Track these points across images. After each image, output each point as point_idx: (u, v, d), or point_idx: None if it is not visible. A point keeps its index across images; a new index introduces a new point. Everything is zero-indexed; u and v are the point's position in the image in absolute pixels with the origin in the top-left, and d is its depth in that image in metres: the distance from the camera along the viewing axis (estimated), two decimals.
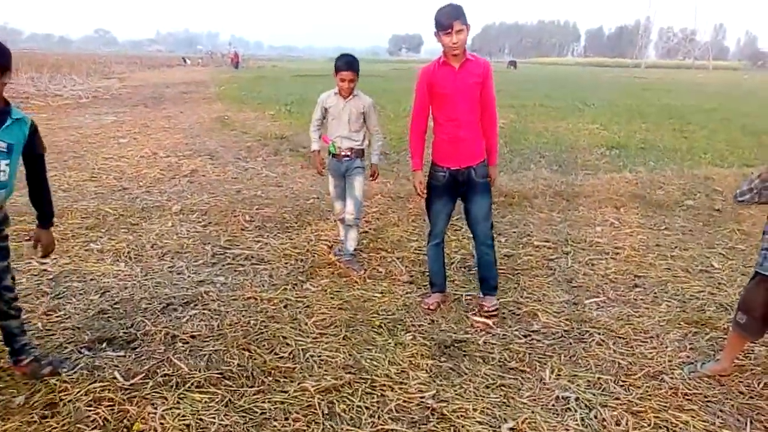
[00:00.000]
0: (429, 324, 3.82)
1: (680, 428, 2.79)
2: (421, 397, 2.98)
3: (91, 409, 2.77)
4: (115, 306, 3.89)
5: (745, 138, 12.09)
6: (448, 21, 3.54)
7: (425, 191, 3.99)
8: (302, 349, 3.39)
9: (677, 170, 8.54)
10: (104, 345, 3.38)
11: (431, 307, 4.04)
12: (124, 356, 3.25)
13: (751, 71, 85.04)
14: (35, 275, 4.36)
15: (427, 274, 4.59)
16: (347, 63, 4.39)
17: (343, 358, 3.33)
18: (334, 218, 4.97)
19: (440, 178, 3.91)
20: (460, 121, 3.76)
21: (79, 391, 2.87)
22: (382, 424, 2.77)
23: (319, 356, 3.33)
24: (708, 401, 3.03)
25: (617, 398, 3.04)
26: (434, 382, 3.14)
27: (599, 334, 3.73)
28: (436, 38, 3.69)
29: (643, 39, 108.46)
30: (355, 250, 4.78)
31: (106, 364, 3.15)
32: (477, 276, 4.17)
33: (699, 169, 8.67)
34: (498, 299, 4.07)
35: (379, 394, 3.01)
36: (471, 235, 4.19)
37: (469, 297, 4.25)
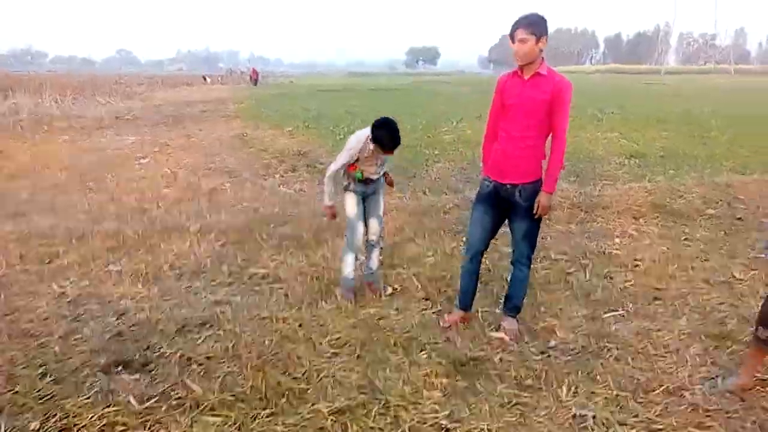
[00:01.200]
0: (444, 342, 3.79)
1: None
2: (435, 417, 2.96)
3: None
4: (132, 328, 3.93)
5: (767, 144, 11.87)
6: (513, 28, 3.47)
7: None
8: (316, 370, 3.38)
9: (697, 178, 8.41)
10: (120, 368, 3.41)
11: (445, 324, 3.99)
12: (139, 379, 3.27)
13: None
14: (55, 298, 4.42)
15: (444, 290, 4.60)
16: (393, 142, 4.10)
17: (357, 377, 3.32)
18: (352, 247, 4.43)
19: (484, 187, 3.83)
20: (512, 136, 3.63)
21: (93, 416, 2.90)
22: None
23: (333, 376, 3.32)
24: (729, 417, 2.96)
25: (636, 416, 2.98)
26: (449, 401, 3.11)
27: (618, 349, 3.67)
28: None
29: (662, 45, 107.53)
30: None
31: (120, 387, 3.17)
32: (505, 294, 4.07)
33: (720, 177, 8.53)
34: (518, 322, 3.99)
35: (393, 414, 2.99)
36: (497, 254, 4.15)
37: (485, 312, 4.22)
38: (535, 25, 3.42)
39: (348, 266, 4.43)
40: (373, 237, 4.50)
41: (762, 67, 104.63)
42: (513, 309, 3.98)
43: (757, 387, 3.20)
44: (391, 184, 4.56)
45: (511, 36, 3.49)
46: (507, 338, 3.81)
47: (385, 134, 4.07)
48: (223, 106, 23.26)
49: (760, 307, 3.17)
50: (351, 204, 4.36)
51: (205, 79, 53.11)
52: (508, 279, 4.05)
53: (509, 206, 3.74)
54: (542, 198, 3.61)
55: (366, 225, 4.46)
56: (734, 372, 3.32)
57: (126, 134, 14.37)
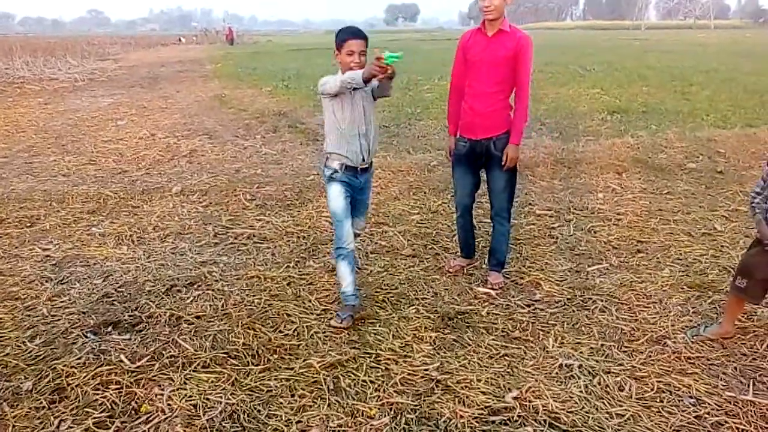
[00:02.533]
0: (432, 297, 3.83)
1: (683, 392, 2.81)
2: (426, 370, 3.00)
3: (99, 392, 2.80)
4: (119, 289, 3.91)
5: (747, 98, 11.96)
6: None
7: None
8: (306, 326, 3.41)
9: (679, 133, 8.47)
10: (110, 329, 3.40)
11: (450, 270, 4.18)
12: (130, 339, 3.27)
13: (752, 29, 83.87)
14: (39, 261, 4.37)
15: (431, 247, 4.64)
16: (356, 31, 3.36)
17: (347, 333, 3.35)
18: (342, 251, 3.49)
19: (460, 148, 3.91)
20: (480, 92, 3.72)
21: (86, 376, 2.90)
22: (387, 397, 2.79)
23: (324, 332, 3.35)
24: (711, 364, 3.05)
25: (620, 364, 3.05)
26: (438, 354, 3.16)
27: (602, 301, 3.74)
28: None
29: (642, 0, 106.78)
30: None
31: (112, 347, 3.17)
32: (488, 249, 4.16)
33: (701, 132, 8.60)
34: (503, 275, 4.06)
35: (384, 367, 3.03)
36: (481, 210, 4.19)
37: (472, 268, 4.26)
38: None
39: (345, 278, 3.49)
40: (360, 231, 4.04)
41: (741, 22, 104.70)
42: (498, 265, 4.06)
43: (738, 335, 3.29)
44: (390, 75, 3.21)
45: None
46: (493, 293, 3.87)
47: (342, 30, 3.38)
48: (199, 67, 22.80)
49: (741, 258, 3.23)
50: (336, 196, 3.47)
51: (180, 40, 51.91)
52: (491, 235, 4.10)
53: (487, 158, 3.84)
54: (510, 150, 3.73)
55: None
56: (715, 321, 3.40)
57: (101, 96, 14.05)
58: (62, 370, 2.95)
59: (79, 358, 3.06)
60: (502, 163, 3.74)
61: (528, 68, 3.65)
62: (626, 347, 3.22)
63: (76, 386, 2.84)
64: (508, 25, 3.64)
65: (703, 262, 4.31)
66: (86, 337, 3.30)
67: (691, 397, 2.78)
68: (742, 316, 3.44)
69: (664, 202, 5.67)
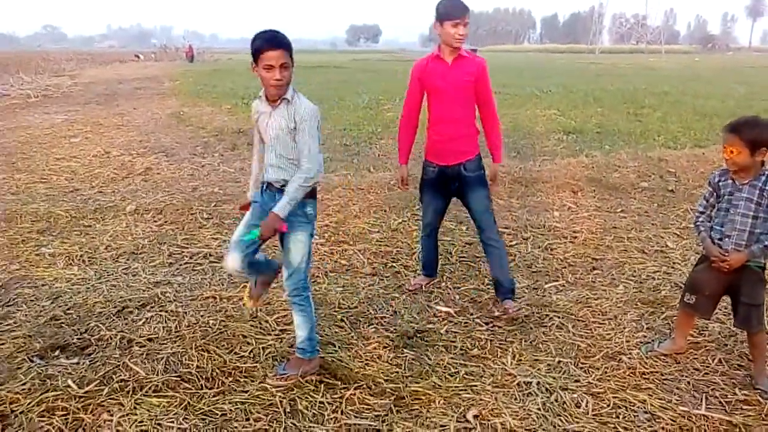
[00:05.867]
0: (391, 315, 3.81)
1: (638, 407, 2.85)
2: (384, 390, 2.97)
3: (45, 419, 2.68)
4: (68, 312, 3.77)
5: (697, 120, 12.39)
6: (461, 12, 3.52)
7: (406, 185, 4.06)
8: (263, 347, 3.34)
9: (632, 153, 8.70)
10: (57, 352, 3.27)
11: (411, 288, 4.17)
12: (78, 363, 3.15)
13: (701, 54, 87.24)
14: None
15: (391, 265, 4.62)
16: (271, 39, 2.73)
17: None
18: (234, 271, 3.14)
19: (429, 173, 3.90)
20: (449, 120, 3.72)
21: (31, 402, 2.78)
22: (345, 419, 2.75)
23: (281, 354, 3.29)
24: (665, 379, 3.10)
25: (577, 380, 3.08)
26: (397, 373, 3.13)
27: (559, 317, 3.78)
28: (435, 29, 3.64)
29: (597, 25, 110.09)
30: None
31: (59, 372, 3.05)
32: (491, 277, 4.05)
33: (653, 152, 8.85)
34: (519, 300, 3.95)
35: (342, 388, 2.98)
36: (441, 228, 4.22)
37: (431, 286, 4.26)
38: (468, 9, 3.58)
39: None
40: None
41: (691, 48, 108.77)
42: (509, 292, 3.91)
43: (691, 350, 3.36)
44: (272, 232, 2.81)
45: (457, 18, 3.52)
46: (452, 311, 3.87)
47: (256, 38, 2.78)
48: (158, 84, 22.47)
49: (689, 275, 3.31)
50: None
51: (137, 57, 51.20)
52: (488, 262, 4.02)
53: (458, 182, 3.83)
54: (494, 168, 3.90)
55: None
56: (668, 336, 3.47)
57: (55, 113, 13.69)
58: (6, 396, 2.82)
59: (24, 384, 2.94)
60: (490, 181, 3.85)
61: (490, 89, 3.77)
62: (582, 363, 3.26)
63: (21, 413, 2.72)
64: (464, 51, 3.69)
65: (656, 278, 4.40)
66: (32, 361, 3.17)
67: (645, 412, 2.81)
68: (695, 332, 3.51)
69: (618, 220, 5.79)
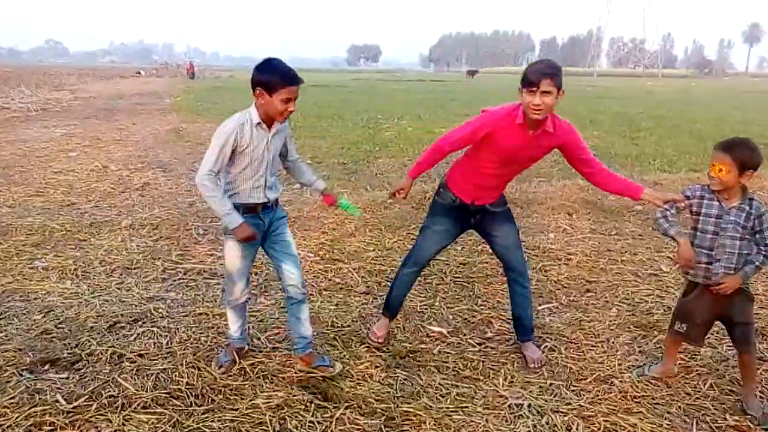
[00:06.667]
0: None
1: (628, 431, 2.83)
2: (375, 410, 2.96)
3: None
4: (60, 326, 3.76)
5: (692, 144, 12.48)
6: (537, 77, 2.91)
7: (404, 198, 3.33)
8: (253, 365, 3.32)
9: (627, 176, 8.70)
10: (47, 367, 3.25)
11: (380, 340, 3.63)
12: (68, 378, 3.13)
13: (698, 78, 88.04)
14: None
15: (384, 284, 4.60)
16: (291, 76, 2.85)
17: (296, 372, 3.28)
18: (233, 303, 3.30)
19: (448, 199, 3.43)
20: (495, 174, 3.29)
21: (18, 416, 2.75)
22: None
23: (272, 372, 3.27)
24: (656, 403, 3.09)
25: (568, 403, 3.07)
26: (388, 393, 3.12)
27: (551, 339, 3.78)
28: (519, 94, 3.02)
29: (595, 48, 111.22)
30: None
31: (48, 386, 3.03)
32: (511, 316, 3.72)
33: (648, 175, 8.91)
34: (541, 349, 3.63)
35: (333, 408, 2.97)
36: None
37: (425, 306, 4.25)
38: (560, 76, 2.97)
39: (233, 323, 3.34)
40: (292, 289, 3.22)
41: (688, 72, 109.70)
42: (529, 332, 3.61)
43: (682, 374, 3.36)
44: (331, 202, 3.31)
45: (533, 85, 2.91)
46: (445, 332, 3.86)
47: (270, 66, 2.91)
48: (158, 100, 22.60)
49: (677, 303, 3.30)
50: (234, 256, 3.13)
51: (139, 73, 51.54)
52: (511, 300, 3.64)
53: (482, 217, 3.44)
54: (648, 196, 3.10)
55: (278, 273, 3.27)
56: (660, 360, 3.46)
57: (54, 127, 13.74)
58: None
59: (12, 398, 2.91)
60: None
61: (585, 149, 3.29)
62: (574, 386, 3.25)
63: (8, 428, 2.69)
64: (551, 123, 3.11)
65: (649, 302, 4.40)
66: (21, 375, 3.15)
67: None
68: (686, 356, 3.52)
69: (613, 242, 5.81)
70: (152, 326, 3.78)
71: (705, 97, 32.72)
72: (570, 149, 3.25)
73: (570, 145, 3.23)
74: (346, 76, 56.60)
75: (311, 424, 2.84)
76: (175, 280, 4.61)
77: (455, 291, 4.58)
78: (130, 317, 3.89)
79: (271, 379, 3.20)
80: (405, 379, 3.28)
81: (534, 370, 3.41)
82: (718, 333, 3.84)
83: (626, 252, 5.52)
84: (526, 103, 2.96)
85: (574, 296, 4.51)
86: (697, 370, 3.41)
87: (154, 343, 3.55)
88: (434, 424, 2.86)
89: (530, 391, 3.17)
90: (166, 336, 3.64)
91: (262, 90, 2.84)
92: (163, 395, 3.00)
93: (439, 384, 3.23)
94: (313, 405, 2.97)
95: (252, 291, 4.40)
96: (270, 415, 2.87)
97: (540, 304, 4.33)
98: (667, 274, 4.97)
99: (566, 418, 2.93)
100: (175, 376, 3.19)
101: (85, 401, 2.92)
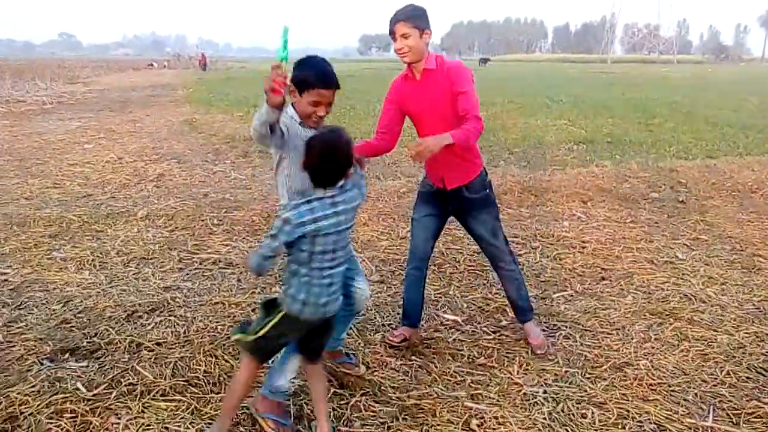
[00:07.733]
0: (398, 323, 3.80)
1: (644, 418, 2.83)
2: (390, 397, 2.98)
3: (53, 421, 2.70)
4: (78, 315, 3.81)
5: (708, 130, 12.34)
6: (391, 24, 3.01)
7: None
8: None
9: (642, 163, 8.67)
10: (67, 355, 3.31)
11: (394, 341, 3.46)
12: (87, 366, 3.18)
13: (714, 64, 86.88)
14: None
15: (398, 273, 4.61)
16: (327, 77, 2.62)
17: None
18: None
19: (426, 186, 3.44)
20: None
21: (40, 404, 2.81)
22: (350, 425, 2.76)
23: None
24: (672, 390, 3.08)
25: (584, 391, 3.07)
26: (403, 381, 3.14)
27: (566, 327, 3.77)
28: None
29: (608, 35, 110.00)
30: None
31: (68, 375, 3.08)
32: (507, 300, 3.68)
33: (664, 162, 8.82)
34: (542, 331, 3.64)
35: (347, 394, 2.99)
36: (449, 236, 4.00)
37: (439, 295, 4.26)
38: (416, 17, 3.00)
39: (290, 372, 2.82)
40: (362, 304, 3.07)
41: (704, 58, 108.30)
42: (526, 311, 3.56)
43: (698, 361, 3.34)
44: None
45: (391, 34, 3.05)
46: (460, 320, 3.87)
47: (308, 64, 2.67)
48: (171, 91, 22.70)
49: None
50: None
51: (152, 65, 51.76)
52: (501, 285, 3.62)
53: (460, 204, 3.37)
54: (437, 138, 2.83)
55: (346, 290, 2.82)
56: (676, 347, 3.44)
57: (69, 119, 13.86)
58: (15, 398, 2.85)
59: (34, 386, 2.97)
60: (416, 150, 2.78)
61: (471, 92, 3.06)
62: (589, 374, 3.24)
63: (30, 415, 2.74)
64: (433, 62, 3.11)
65: (665, 289, 4.38)
66: (42, 364, 3.21)
67: (651, 424, 2.80)
68: (703, 343, 3.50)
69: (628, 230, 5.77)
70: (169, 315, 3.82)
71: (721, 82, 32.29)
72: (457, 89, 3.05)
73: (458, 86, 3.04)
74: (357, 66, 56.41)
75: (327, 411, 2.86)
76: (191, 270, 4.65)
77: (469, 279, 4.59)
78: (148, 307, 3.93)
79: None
80: (420, 367, 3.29)
81: (549, 357, 3.41)
82: (735, 319, 3.82)
83: (641, 239, 5.49)
84: (395, 50, 3.08)
85: (589, 284, 4.49)
86: (714, 358, 3.39)
87: (172, 332, 3.59)
88: (449, 412, 2.87)
89: (545, 379, 3.18)
90: (184, 325, 3.68)
91: (295, 87, 2.61)
92: (181, 383, 3.04)
93: (454, 371, 3.24)
94: (330, 391, 3.00)
95: (267, 280, 4.44)
96: (287, 402, 2.89)
97: (555, 292, 4.33)
98: (683, 262, 4.93)
99: (581, 406, 2.93)
100: (193, 364, 3.23)
101: (104, 389, 2.96)
